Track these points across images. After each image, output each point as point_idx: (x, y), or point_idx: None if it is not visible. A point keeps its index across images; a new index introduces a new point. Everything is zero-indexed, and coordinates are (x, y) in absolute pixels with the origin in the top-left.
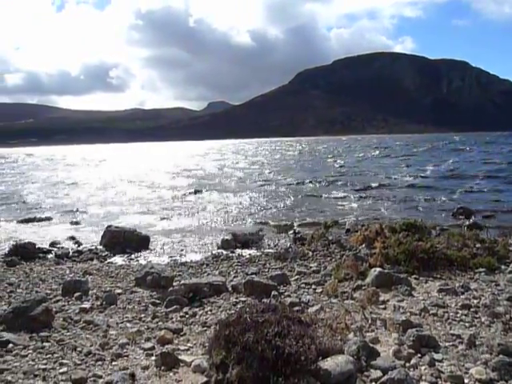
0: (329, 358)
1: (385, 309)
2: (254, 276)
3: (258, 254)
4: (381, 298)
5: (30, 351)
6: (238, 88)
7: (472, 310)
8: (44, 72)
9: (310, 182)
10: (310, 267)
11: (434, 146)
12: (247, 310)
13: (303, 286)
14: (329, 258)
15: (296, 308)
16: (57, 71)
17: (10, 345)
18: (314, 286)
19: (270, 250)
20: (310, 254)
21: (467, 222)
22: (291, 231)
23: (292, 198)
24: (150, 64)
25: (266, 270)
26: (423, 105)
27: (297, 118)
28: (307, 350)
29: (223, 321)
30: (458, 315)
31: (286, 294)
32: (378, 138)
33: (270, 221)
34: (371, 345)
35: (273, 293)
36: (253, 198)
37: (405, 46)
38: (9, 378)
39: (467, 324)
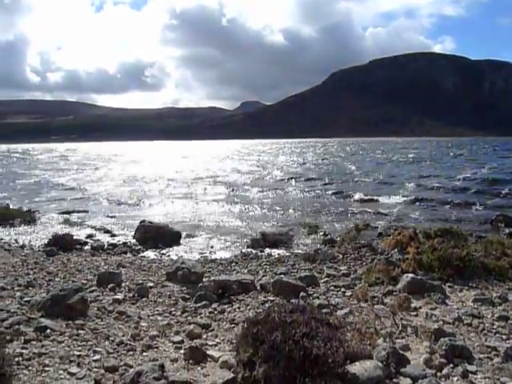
0: (357, 363)
1: (416, 316)
2: (282, 276)
3: (287, 254)
4: (412, 305)
5: (66, 338)
6: (271, 87)
7: (510, 321)
8: (83, 70)
9: (341, 183)
10: (340, 270)
11: (473, 150)
12: (275, 309)
13: (332, 288)
14: (359, 262)
15: (324, 310)
16: (95, 70)
17: (48, 330)
18: (343, 289)
19: (300, 251)
20: (340, 256)
21: (507, 230)
22: (321, 232)
23: (323, 199)
24: (184, 63)
25: (295, 270)
26: (463, 107)
27: (330, 118)
28: (335, 352)
29: (251, 319)
30: (495, 327)
31: (314, 295)
32: (414, 140)
33: (300, 221)
34: (401, 352)
35: (301, 294)
36: (285, 197)
37: (444, 46)
38: (46, 361)
39: (504, 336)
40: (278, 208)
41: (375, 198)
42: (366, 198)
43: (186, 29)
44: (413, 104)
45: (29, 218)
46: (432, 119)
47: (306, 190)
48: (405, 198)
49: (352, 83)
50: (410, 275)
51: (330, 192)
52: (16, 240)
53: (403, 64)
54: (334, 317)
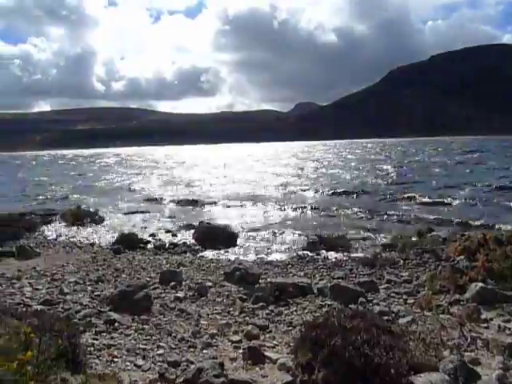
0: (422, 374)
1: (487, 328)
2: (340, 280)
3: (345, 258)
4: (482, 316)
5: (132, 331)
6: (325, 88)
7: None
8: (143, 78)
9: (403, 184)
10: (401, 276)
11: None
12: (335, 313)
13: (393, 295)
14: (422, 268)
15: (385, 317)
16: (154, 77)
17: (116, 324)
18: (405, 296)
19: (358, 255)
20: (401, 262)
21: None
22: (381, 236)
23: (382, 202)
24: (237, 67)
25: (353, 275)
26: None
27: (389, 118)
28: (398, 362)
29: (310, 322)
30: None
31: (374, 301)
32: (482, 139)
33: (358, 224)
34: (470, 366)
35: (360, 299)
36: (343, 200)
37: None
38: (115, 352)
39: None
40: (335, 210)
41: (440, 201)
42: (430, 201)
43: (239, 34)
44: (481, 101)
45: (97, 218)
46: (504, 116)
47: (366, 191)
48: (471, 201)
49: (411, 81)
50: (480, 284)
51: (390, 194)
52: (86, 238)
53: (469, 58)
54: (396, 325)
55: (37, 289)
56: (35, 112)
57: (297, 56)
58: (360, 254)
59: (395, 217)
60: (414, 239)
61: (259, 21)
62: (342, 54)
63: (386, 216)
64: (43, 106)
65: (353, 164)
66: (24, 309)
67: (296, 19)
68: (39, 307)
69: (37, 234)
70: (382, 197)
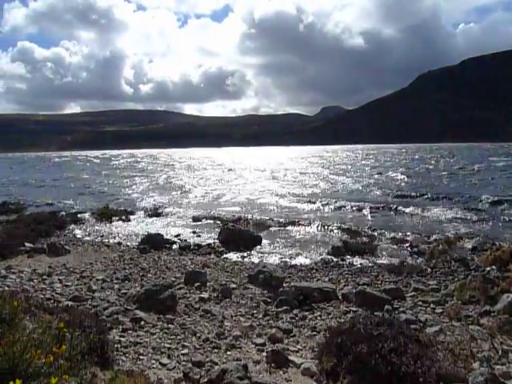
0: None
1: None
2: (365, 287)
3: (370, 264)
4: None
5: (158, 330)
6: (352, 92)
7: None
8: (170, 81)
9: (430, 193)
10: (429, 284)
11: None
12: (360, 320)
13: (420, 303)
14: (450, 277)
15: (412, 326)
16: (181, 80)
17: (142, 322)
18: (432, 305)
19: (383, 262)
20: (429, 270)
21: None
22: (407, 244)
23: (413, 209)
24: (263, 71)
25: (379, 282)
26: None
27: (418, 123)
28: (426, 372)
29: (335, 328)
30: None
31: (400, 309)
32: None
33: (384, 231)
34: (502, 379)
35: (386, 307)
36: (372, 207)
37: None
38: (141, 350)
39: None
40: (362, 215)
41: (473, 206)
42: (460, 208)
43: (265, 37)
44: None
45: (124, 217)
46: None
47: (395, 197)
48: (503, 210)
49: (442, 85)
50: None
51: (419, 201)
52: (114, 237)
53: (502, 62)
54: (424, 334)
55: (66, 285)
56: (66, 113)
57: (323, 59)
58: (386, 261)
59: (423, 223)
60: (442, 247)
61: (285, 24)
62: (369, 58)
63: (413, 223)
64: (73, 108)
65: (391, 169)
66: (55, 304)
67: (322, 22)
68: (69, 303)
69: (66, 231)
70: (412, 203)
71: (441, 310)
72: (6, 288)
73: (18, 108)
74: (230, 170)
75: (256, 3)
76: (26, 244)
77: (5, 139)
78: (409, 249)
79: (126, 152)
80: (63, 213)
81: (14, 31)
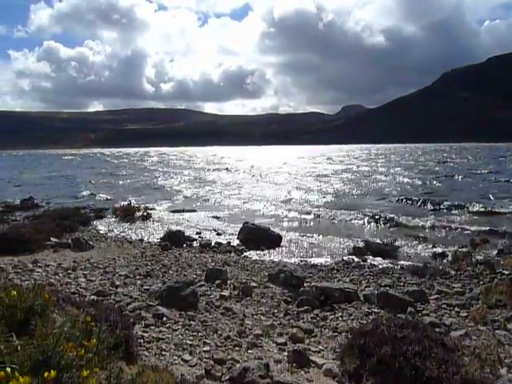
0: None
1: None
2: (388, 288)
3: (392, 265)
4: None
5: (180, 326)
6: (374, 91)
7: None
8: (191, 80)
9: (454, 194)
10: (453, 287)
11: None
12: (384, 322)
13: (444, 306)
14: (475, 280)
15: (437, 329)
16: (201, 79)
17: (164, 318)
18: (457, 309)
19: (406, 263)
20: (453, 272)
21: None
22: (430, 245)
23: (436, 210)
24: (282, 69)
25: (401, 283)
26: None
27: (442, 122)
28: (451, 377)
29: (357, 329)
30: None
31: (423, 312)
32: None
33: (407, 231)
34: None
35: (409, 309)
36: (396, 206)
37: None
38: (163, 346)
39: None
40: (384, 216)
41: (496, 210)
42: (484, 210)
43: (284, 35)
44: None
45: (146, 214)
46: None
47: (419, 198)
48: None
49: (467, 83)
50: None
51: (442, 202)
52: (136, 233)
53: None
54: (449, 338)
55: (90, 280)
56: (89, 112)
57: (343, 58)
58: (408, 262)
59: (446, 225)
60: (466, 249)
61: (305, 22)
62: (390, 56)
63: (436, 224)
64: (97, 106)
65: (416, 170)
66: (81, 298)
67: (342, 20)
68: (93, 297)
69: (90, 227)
70: (436, 203)
71: (466, 314)
72: (33, 281)
73: (43, 106)
74: (252, 168)
75: (275, 2)
76: (52, 239)
77: (30, 136)
78: (432, 250)
79: (152, 150)
80: (87, 209)
81: (39, 31)
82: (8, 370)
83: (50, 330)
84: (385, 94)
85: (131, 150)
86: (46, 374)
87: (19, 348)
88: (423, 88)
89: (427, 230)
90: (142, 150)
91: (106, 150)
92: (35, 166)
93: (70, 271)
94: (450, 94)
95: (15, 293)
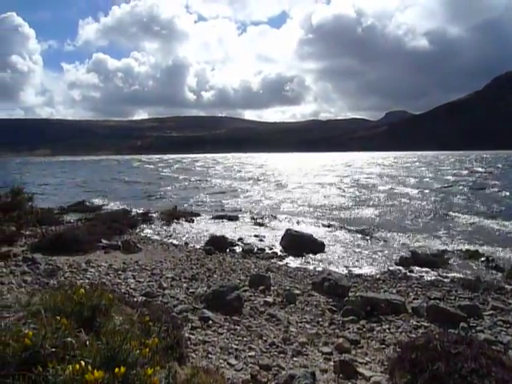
0: None
1: None
2: (438, 301)
3: (442, 278)
4: None
5: (225, 330)
6: (418, 96)
7: None
8: (231, 88)
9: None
10: (509, 303)
11: None
12: (436, 336)
13: (500, 323)
14: None
15: (493, 347)
16: (241, 87)
17: (210, 321)
18: None
19: (456, 276)
20: (509, 288)
21: None
22: (483, 258)
23: (491, 223)
24: (322, 76)
25: (452, 297)
26: None
27: (496, 128)
28: None
29: (407, 343)
30: None
31: (477, 328)
32: None
33: (458, 243)
34: None
35: (461, 324)
36: (446, 216)
37: None
38: (209, 349)
39: None
40: (433, 227)
41: None
42: None
43: (323, 41)
44: None
45: (189, 218)
46: None
47: (472, 210)
48: None
49: None
50: None
51: (498, 214)
52: (181, 237)
53: None
54: (507, 357)
55: (139, 281)
56: (135, 120)
57: (385, 63)
58: (459, 275)
59: (500, 236)
60: None
61: (344, 27)
62: (434, 60)
63: (489, 235)
64: (141, 114)
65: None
66: (133, 299)
67: (383, 24)
68: (142, 298)
69: (138, 230)
70: (490, 216)
71: None
72: (87, 280)
73: (92, 114)
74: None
75: (313, 8)
76: (103, 240)
77: (80, 143)
78: (485, 263)
79: (200, 156)
80: (135, 212)
81: (87, 44)
82: (83, 363)
83: (114, 327)
84: (430, 99)
85: (180, 156)
86: (116, 370)
87: (87, 343)
88: (473, 92)
89: (481, 242)
90: (188, 156)
91: (155, 157)
92: (106, 171)
93: (120, 272)
94: (505, 98)
95: (83, 291)
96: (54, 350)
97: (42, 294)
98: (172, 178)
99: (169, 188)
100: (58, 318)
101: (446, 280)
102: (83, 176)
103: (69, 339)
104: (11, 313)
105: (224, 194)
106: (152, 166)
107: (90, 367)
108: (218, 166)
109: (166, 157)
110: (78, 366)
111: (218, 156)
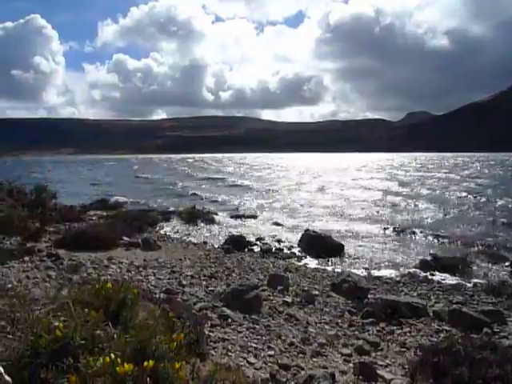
0: None
1: None
2: (460, 306)
3: (463, 282)
4: None
5: (244, 329)
6: (440, 96)
7: None
8: (248, 88)
9: None
10: None
11: None
12: (459, 341)
13: None
14: None
15: None
16: (258, 87)
17: (229, 319)
18: None
19: (479, 280)
20: None
21: None
22: (507, 262)
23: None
24: (340, 75)
25: (474, 302)
26: None
27: None
28: None
29: (429, 347)
30: None
31: (501, 334)
32: None
33: (480, 247)
34: None
35: (484, 329)
36: (470, 219)
37: None
38: (229, 347)
39: None
40: (454, 229)
41: None
42: None
43: (341, 41)
44: None
45: (208, 218)
46: None
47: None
48: None
49: None
50: None
51: None
52: (200, 236)
53: None
54: None
55: (159, 278)
56: (154, 119)
57: (405, 62)
58: (482, 280)
59: None
60: None
61: (362, 27)
62: (456, 59)
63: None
64: (160, 114)
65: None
66: (154, 295)
67: (402, 23)
68: (163, 295)
69: (157, 228)
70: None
71: None
72: (109, 276)
73: (112, 114)
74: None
75: (331, 7)
76: (124, 238)
77: (101, 143)
78: (509, 268)
79: (219, 156)
80: (155, 211)
81: (106, 45)
82: (112, 356)
83: (141, 321)
84: (452, 100)
85: (200, 156)
86: (145, 364)
87: (115, 336)
88: (498, 93)
89: (502, 245)
90: (208, 155)
91: (177, 156)
92: (128, 169)
93: (140, 269)
94: None
95: (110, 285)
96: (83, 342)
97: (69, 288)
98: (205, 179)
99: (204, 187)
100: (87, 310)
101: (468, 284)
102: (107, 174)
103: (98, 332)
104: (39, 306)
105: (242, 193)
106: (177, 165)
107: (119, 360)
108: (249, 168)
109: (186, 155)
110: (108, 359)
111: (238, 156)
